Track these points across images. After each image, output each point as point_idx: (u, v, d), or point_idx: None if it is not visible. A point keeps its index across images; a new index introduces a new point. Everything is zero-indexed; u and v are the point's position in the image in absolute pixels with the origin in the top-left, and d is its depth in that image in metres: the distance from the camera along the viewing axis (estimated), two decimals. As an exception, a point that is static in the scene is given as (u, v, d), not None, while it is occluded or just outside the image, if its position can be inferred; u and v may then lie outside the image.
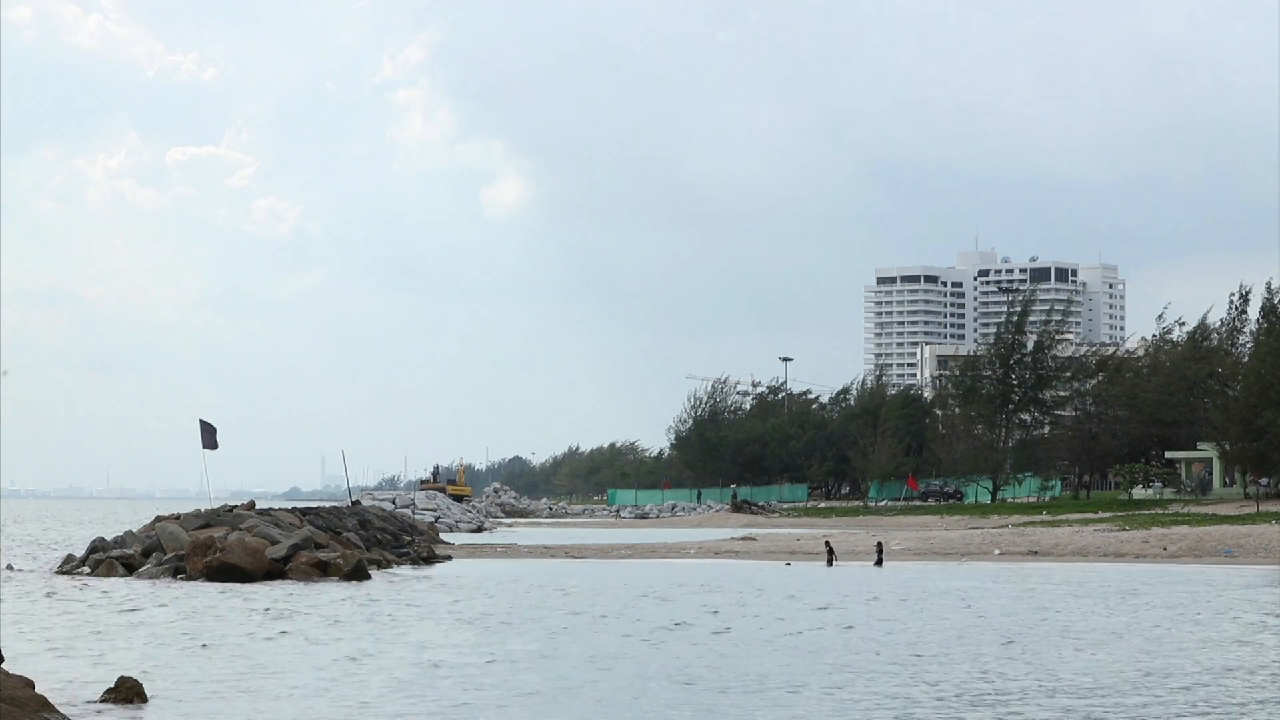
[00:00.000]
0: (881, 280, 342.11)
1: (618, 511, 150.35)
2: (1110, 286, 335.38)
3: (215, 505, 57.78)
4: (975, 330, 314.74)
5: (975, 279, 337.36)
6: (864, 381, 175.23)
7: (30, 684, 17.88)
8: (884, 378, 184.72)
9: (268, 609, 34.63)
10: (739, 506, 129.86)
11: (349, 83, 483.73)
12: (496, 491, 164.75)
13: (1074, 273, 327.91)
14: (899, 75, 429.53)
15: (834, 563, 53.89)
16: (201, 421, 63.63)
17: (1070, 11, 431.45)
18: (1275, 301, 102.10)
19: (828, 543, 57.20)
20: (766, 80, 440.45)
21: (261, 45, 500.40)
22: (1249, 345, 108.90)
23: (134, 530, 53.98)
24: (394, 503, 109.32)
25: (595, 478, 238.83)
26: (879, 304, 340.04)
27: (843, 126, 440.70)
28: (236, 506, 56.93)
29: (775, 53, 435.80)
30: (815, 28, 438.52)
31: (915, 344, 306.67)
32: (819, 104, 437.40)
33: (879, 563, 54.34)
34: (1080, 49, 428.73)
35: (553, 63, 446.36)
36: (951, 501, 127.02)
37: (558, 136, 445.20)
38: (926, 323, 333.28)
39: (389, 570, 51.63)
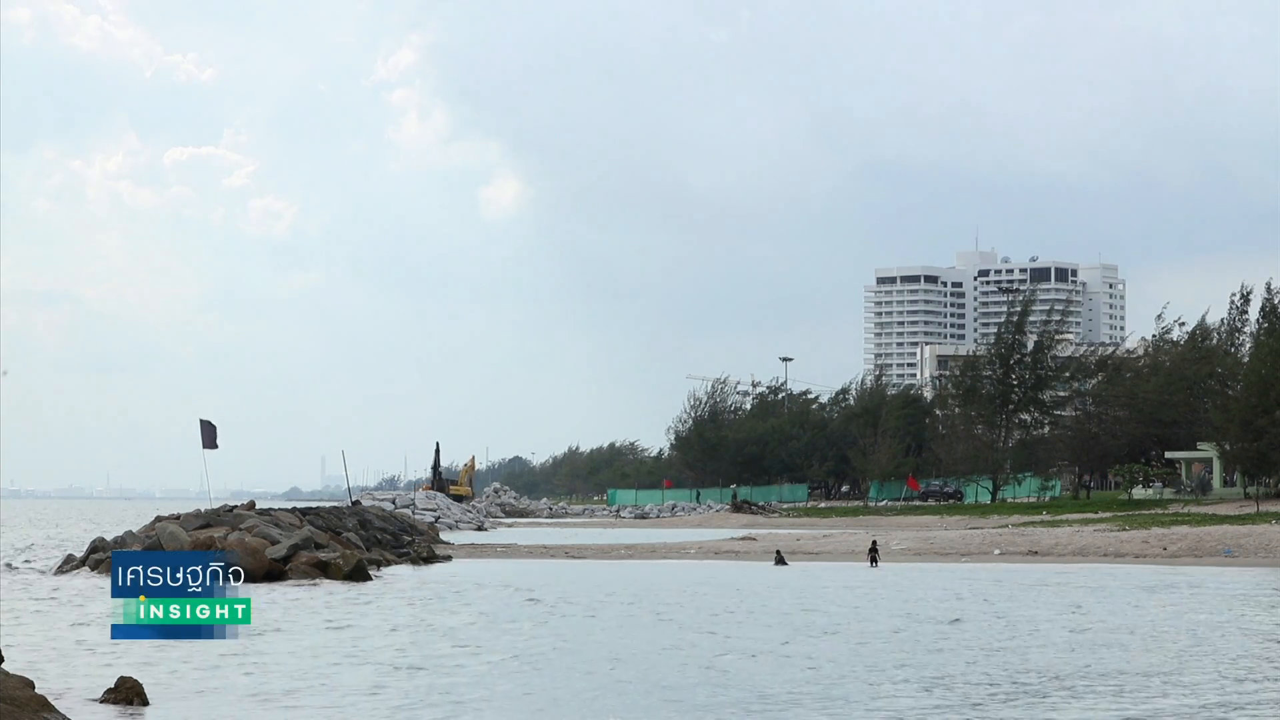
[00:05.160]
0: (881, 280, 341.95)
1: (618, 511, 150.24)
2: (1110, 286, 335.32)
3: (215, 505, 57.79)
4: (975, 330, 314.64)
5: (975, 279, 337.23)
6: (864, 381, 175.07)
7: (30, 684, 17.89)
8: (884, 378, 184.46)
9: (268, 610, 34.63)
10: (739, 506, 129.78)
11: (345, 83, 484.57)
12: (496, 491, 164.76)
13: (1074, 273, 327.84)
14: (894, 75, 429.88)
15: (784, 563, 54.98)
16: (202, 421, 63.62)
17: (1064, 10, 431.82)
18: (1275, 302, 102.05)
19: (778, 552, 57.34)
20: (762, 80, 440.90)
21: (259, 46, 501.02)
22: (1249, 345, 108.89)
23: (134, 530, 53.96)
24: (394, 503, 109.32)
25: (595, 478, 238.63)
26: (879, 304, 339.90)
27: (840, 126, 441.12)
28: (236, 506, 56.93)
29: (769, 53, 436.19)
30: (808, 28, 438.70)
31: (915, 344, 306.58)
32: (816, 104, 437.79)
33: (874, 563, 54.40)
34: (1075, 48, 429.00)
35: (548, 63, 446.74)
36: (951, 501, 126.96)
37: (554, 137, 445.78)
38: (926, 323, 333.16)
39: (389, 570, 51.65)
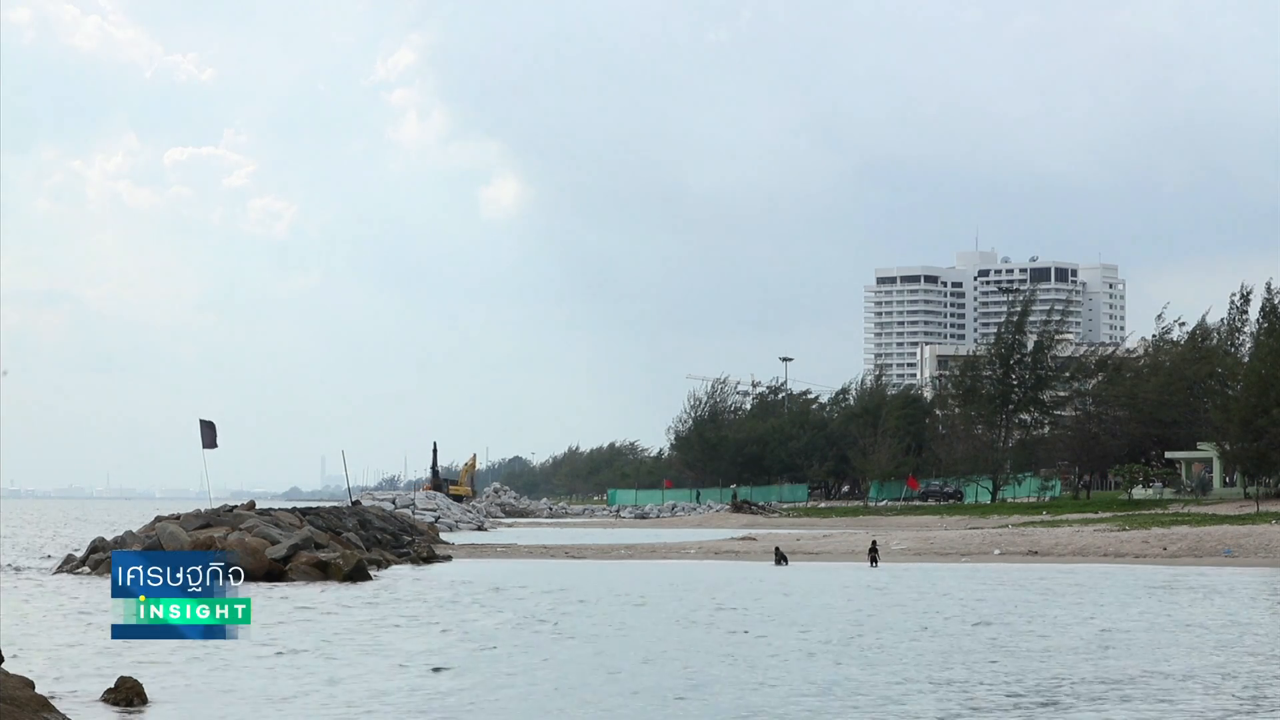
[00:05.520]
0: (881, 280, 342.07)
1: (618, 511, 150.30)
2: (1110, 286, 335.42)
3: (215, 505, 57.76)
4: (975, 330, 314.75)
5: (975, 279, 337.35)
6: (864, 381, 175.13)
7: (30, 684, 17.88)
8: (884, 378, 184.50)
9: (268, 610, 34.62)
10: (739, 506, 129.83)
11: (345, 83, 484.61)
12: (496, 491, 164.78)
13: (1074, 273, 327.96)
14: (894, 75, 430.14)
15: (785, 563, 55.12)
16: (201, 421, 63.54)
17: (1064, 10, 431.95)
18: (1275, 302, 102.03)
19: (777, 549, 57.43)
20: (761, 80, 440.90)
21: (259, 46, 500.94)
22: (1249, 345, 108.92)
23: (134, 530, 53.96)
24: (394, 503, 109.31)
25: (595, 478, 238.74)
26: (879, 304, 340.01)
27: (840, 127, 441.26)
28: (236, 506, 56.90)
29: (769, 53, 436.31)
30: (808, 28, 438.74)
31: (915, 344, 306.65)
32: (815, 104, 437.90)
33: (874, 563, 54.40)
34: (1075, 48, 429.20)
35: (548, 63, 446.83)
36: (951, 501, 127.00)
37: (554, 137, 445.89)
38: (926, 323, 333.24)
39: (389, 570, 51.64)
